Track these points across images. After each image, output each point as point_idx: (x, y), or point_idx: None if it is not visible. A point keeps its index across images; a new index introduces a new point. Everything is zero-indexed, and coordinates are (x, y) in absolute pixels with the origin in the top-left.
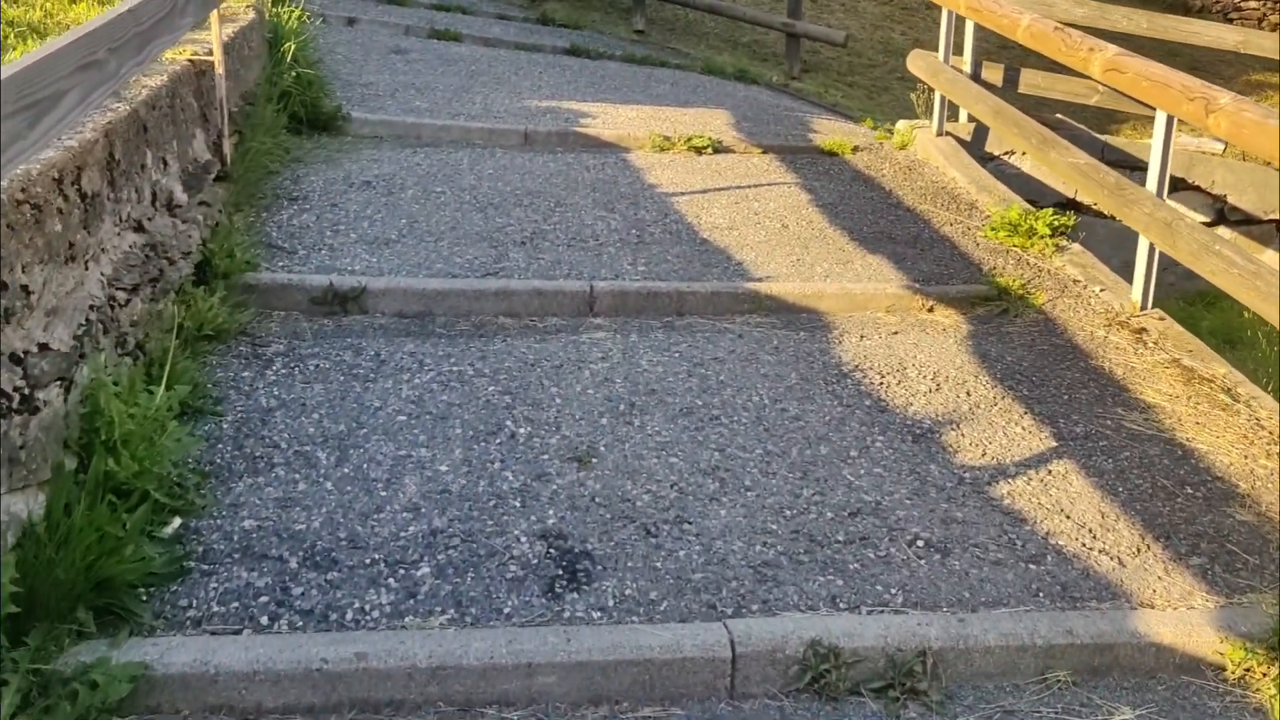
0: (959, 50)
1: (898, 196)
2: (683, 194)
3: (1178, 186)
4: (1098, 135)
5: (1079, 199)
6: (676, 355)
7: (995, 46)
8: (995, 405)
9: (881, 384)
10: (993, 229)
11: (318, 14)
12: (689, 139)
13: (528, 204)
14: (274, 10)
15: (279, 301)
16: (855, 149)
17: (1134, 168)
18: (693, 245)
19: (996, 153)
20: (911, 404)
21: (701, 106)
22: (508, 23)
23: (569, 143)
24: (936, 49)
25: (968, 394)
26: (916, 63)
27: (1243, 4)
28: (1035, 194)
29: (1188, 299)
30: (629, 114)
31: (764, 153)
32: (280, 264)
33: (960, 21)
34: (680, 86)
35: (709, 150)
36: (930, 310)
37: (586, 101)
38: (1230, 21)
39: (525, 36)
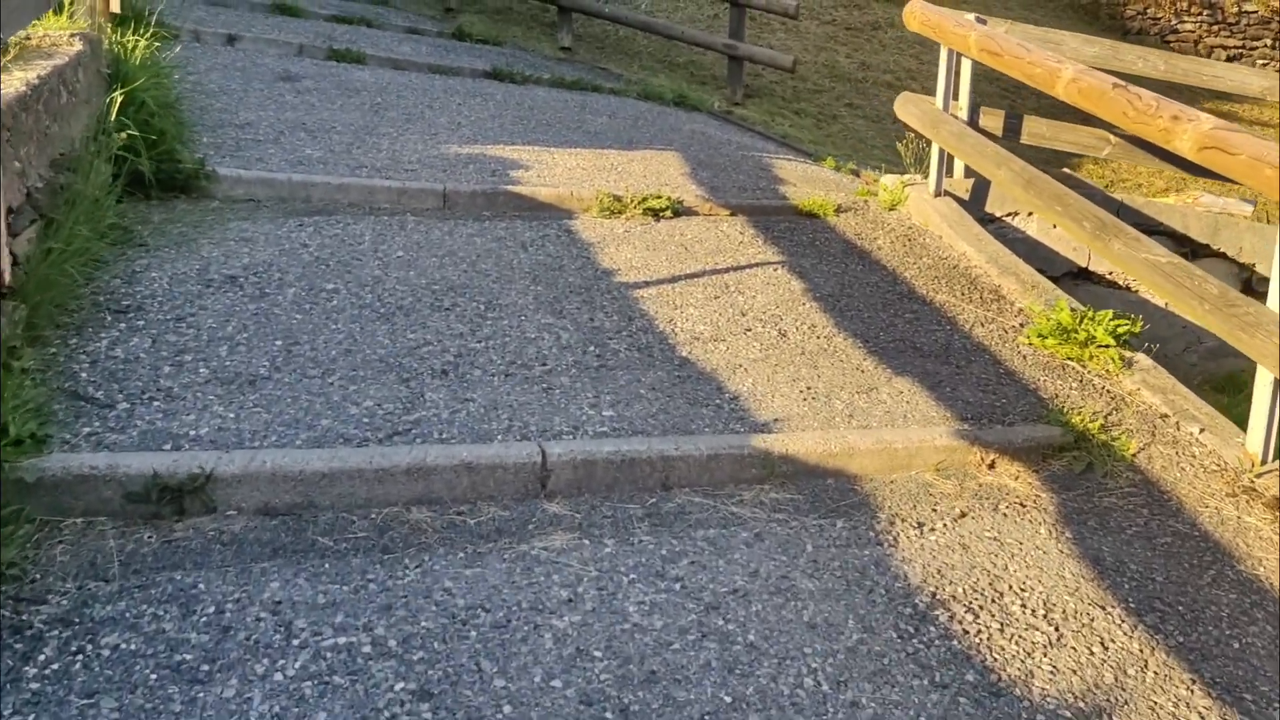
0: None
1: (906, 281)
2: (647, 284)
3: (1200, 253)
4: (1111, 194)
5: (1092, 268)
6: (677, 589)
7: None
8: (1146, 668)
9: (979, 635)
10: (1039, 335)
11: (189, 31)
12: (643, 199)
13: (450, 306)
14: (116, 36)
15: (77, 502)
16: (839, 210)
17: (1152, 231)
18: (670, 368)
19: (998, 213)
20: (1032, 677)
21: (648, 147)
22: (419, 38)
23: (498, 206)
24: (903, 81)
25: (1101, 645)
26: (908, 109)
27: (1179, 26)
28: (1043, 261)
29: (1215, 384)
30: (568, 161)
31: (732, 214)
32: (86, 431)
33: (956, 60)
34: (619, 118)
35: (668, 213)
36: (991, 466)
37: (516, 144)
38: (1167, 43)
39: (440, 56)
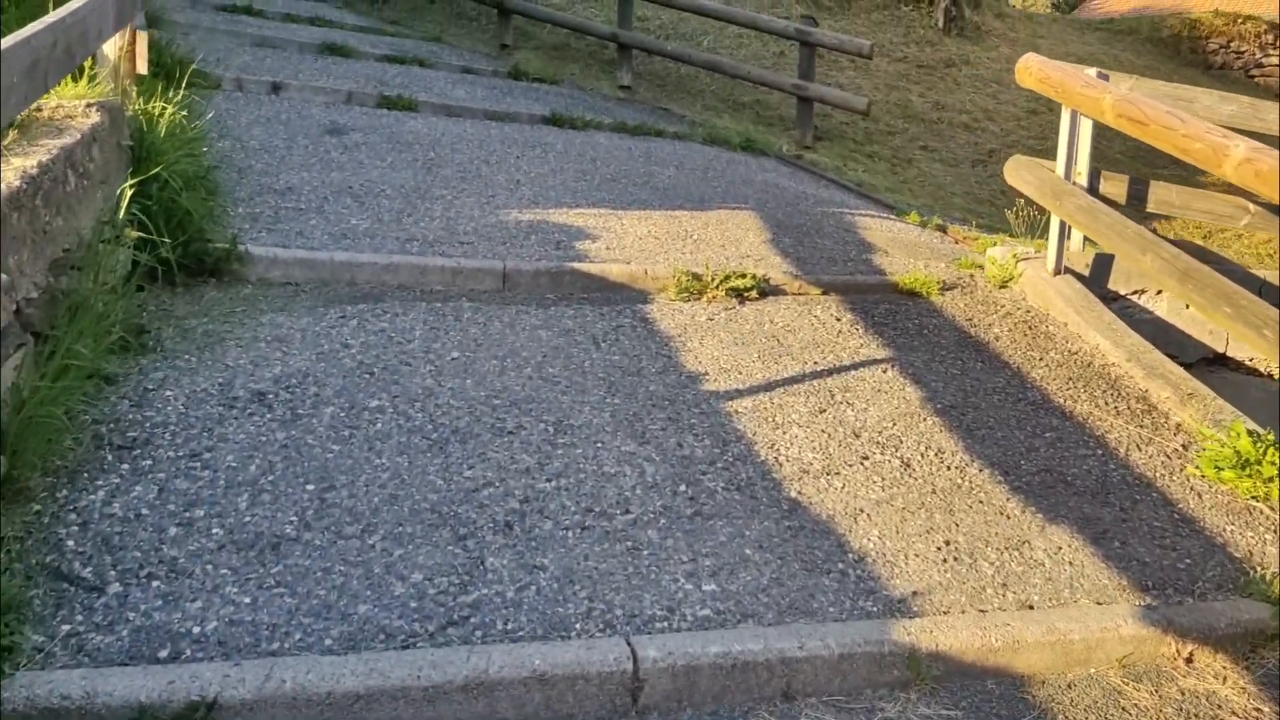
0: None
1: (1037, 385)
2: (740, 393)
3: None
4: (1254, 272)
5: (1230, 353)
6: None
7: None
8: None
9: None
10: (1213, 466)
11: (232, 81)
12: (725, 277)
13: (513, 429)
14: (141, 103)
15: None
16: (943, 288)
17: None
18: (778, 515)
19: (1123, 290)
20: None
21: (721, 205)
22: (474, 79)
23: (564, 286)
24: (980, 122)
25: None
26: (1022, 176)
27: (1264, 60)
28: (1175, 345)
29: None
30: (637, 227)
31: (824, 293)
32: (65, 630)
33: (1076, 120)
34: (687, 169)
35: (753, 293)
36: (1189, 661)
37: (581, 206)
38: (1252, 78)
39: (496, 100)
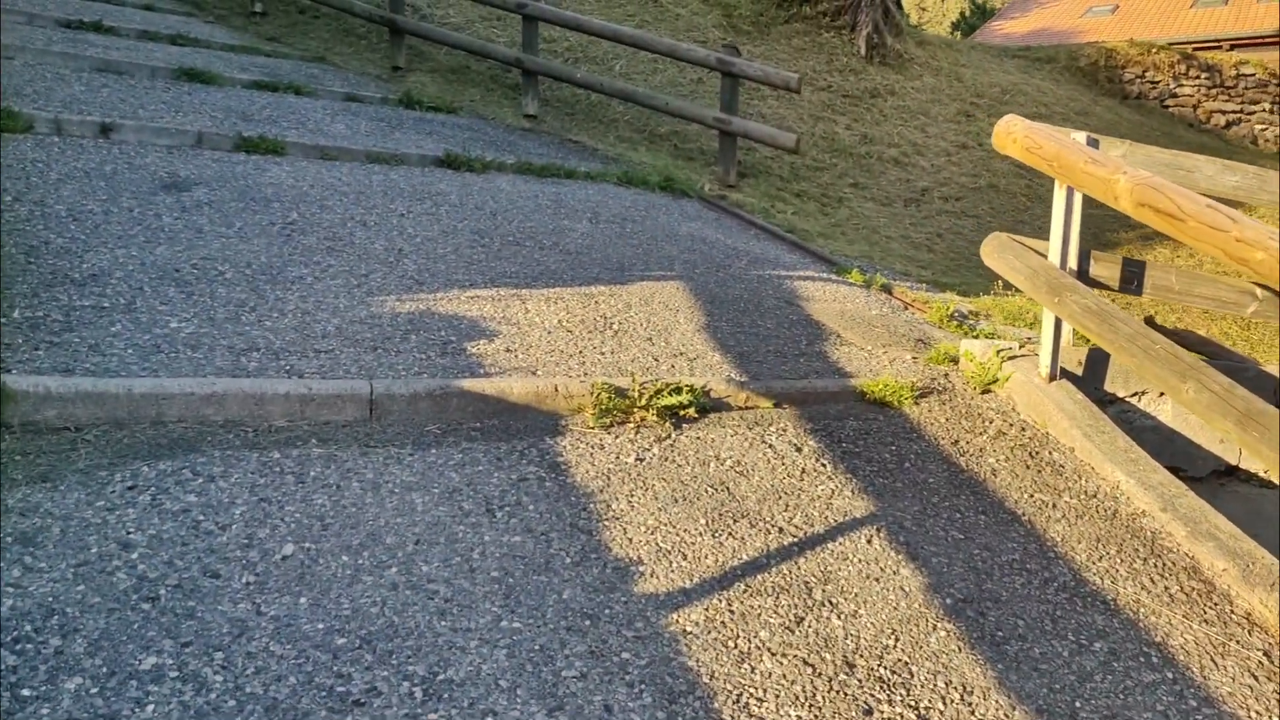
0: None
1: (1062, 554)
2: (688, 597)
3: None
4: (1265, 368)
5: (1242, 465)
6: None
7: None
8: None
9: None
10: None
11: (48, 121)
12: (656, 391)
13: (362, 698)
14: None
15: None
16: (917, 394)
17: None
18: None
19: (1121, 393)
20: None
21: (644, 273)
22: (359, 109)
23: (450, 413)
24: (909, 157)
25: None
26: (1007, 262)
27: (1178, 90)
28: (1183, 457)
29: None
30: (546, 312)
31: (777, 405)
32: None
33: (1069, 197)
34: (602, 222)
35: (691, 411)
36: None
37: (476, 285)
38: (1166, 108)
39: (382, 137)
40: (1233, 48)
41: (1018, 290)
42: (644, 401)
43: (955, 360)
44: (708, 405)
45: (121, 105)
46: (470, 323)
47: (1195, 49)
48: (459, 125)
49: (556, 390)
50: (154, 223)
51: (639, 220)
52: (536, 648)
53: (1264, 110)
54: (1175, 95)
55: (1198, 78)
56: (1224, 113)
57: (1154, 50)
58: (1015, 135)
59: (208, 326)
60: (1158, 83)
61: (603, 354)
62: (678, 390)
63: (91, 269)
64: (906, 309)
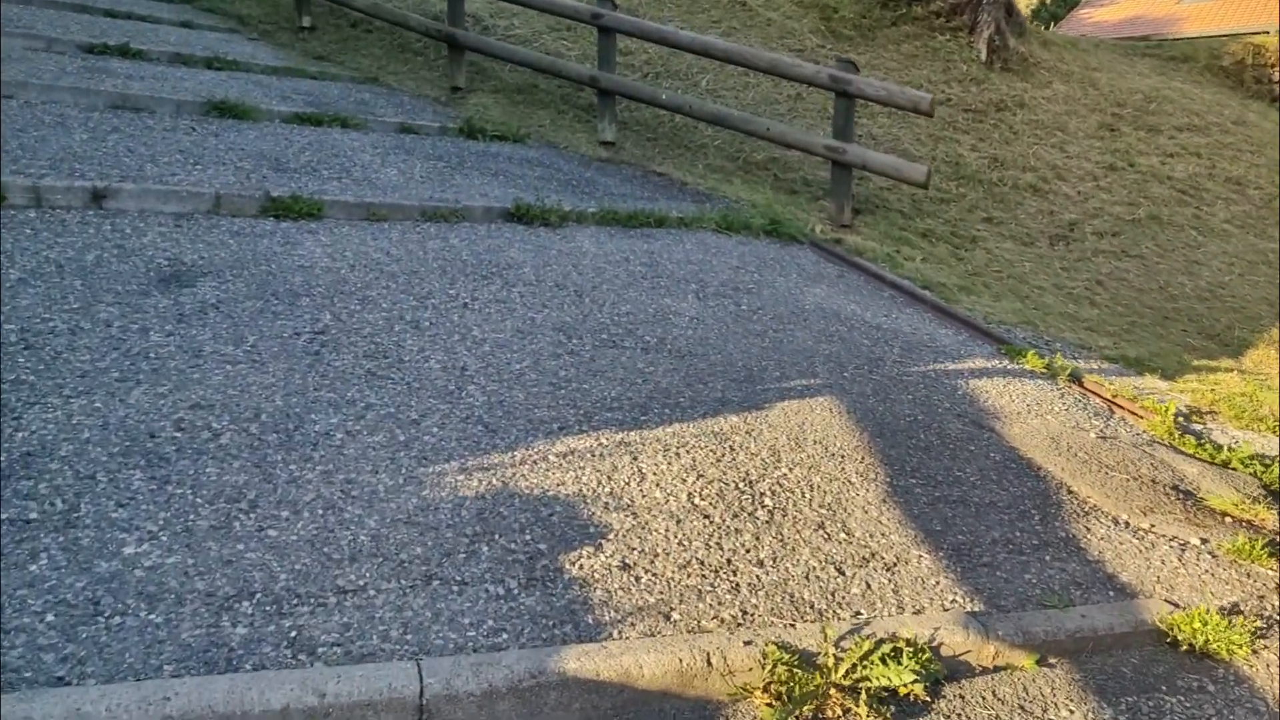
0: None
1: None
2: None
3: None
4: None
5: None
6: None
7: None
8: None
9: None
10: None
11: (25, 190)
12: (859, 656)
13: None
14: None
15: None
16: (1253, 634)
17: None
18: None
19: None
20: None
21: (780, 386)
22: (414, 143)
23: (547, 717)
24: (1049, 182)
25: None
26: None
27: None
28: None
29: None
30: (667, 480)
31: (1040, 663)
32: None
33: None
34: (711, 297)
35: (918, 690)
36: None
37: (567, 430)
38: None
39: (440, 183)
40: None
41: (1222, 362)
42: (842, 675)
43: (1274, 549)
44: (939, 673)
45: (127, 159)
46: (566, 507)
47: None
48: (528, 160)
49: (710, 662)
50: (136, 345)
51: (753, 289)
52: None
53: None
54: None
55: None
56: None
57: None
58: None
59: (180, 550)
60: None
61: (761, 564)
62: (894, 654)
63: (28, 442)
64: (1114, 412)
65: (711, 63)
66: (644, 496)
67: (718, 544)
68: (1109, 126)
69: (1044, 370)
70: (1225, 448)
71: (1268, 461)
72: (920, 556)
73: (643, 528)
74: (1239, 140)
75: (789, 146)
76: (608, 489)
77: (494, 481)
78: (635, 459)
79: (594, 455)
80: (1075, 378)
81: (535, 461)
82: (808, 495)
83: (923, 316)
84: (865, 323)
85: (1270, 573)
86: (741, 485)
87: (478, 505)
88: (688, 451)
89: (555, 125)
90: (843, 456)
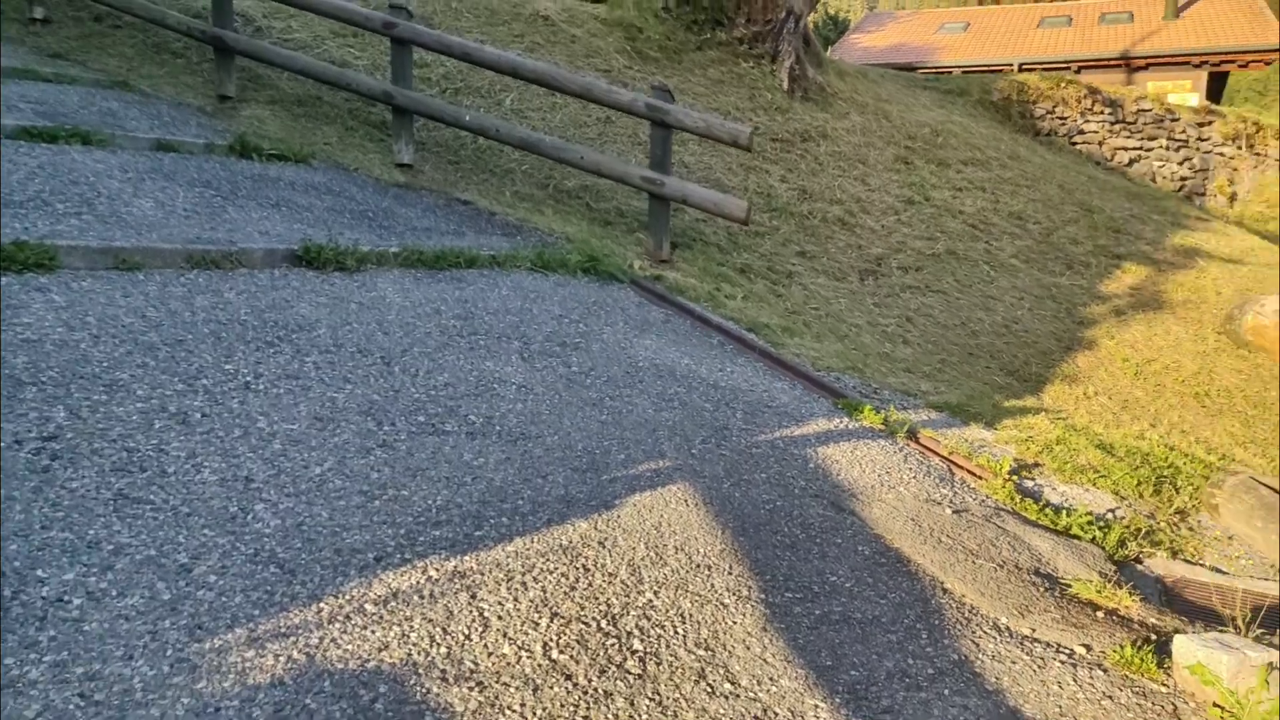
0: None
1: None
2: None
3: None
4: None
5: None
6: None
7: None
8: None
9: None
10: None
11: None
12: None
13: None
14: None
15: None
16: None
17: None
18: None
19: None
20: None
21: (628, 475)
22: (175, 163)
23: None
24: (855, 215)
25: None
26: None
27: (1085, 126)
28: None
29: None
30: (515, 627)
31: None
32: None
33: None
34: (536, 353)
35: None
36: None
37: (387, 562)
38: (1074, 144)
39: (210, 217)
40: (1080, 69)
41: (1027, 401)
42: None
43: (1159, 658)
44: None
45: None
46: (393, 685)
47: (1045, 70)
48: (314, 186)
49: None
50: None
51: (581, 343)
52: None
53: (1161, 147)
54: (1082, 132)
55: (1101, 113)
56: (1126, 149)
57: (1063, 84)
58: None
59: None
60: (1066, 119)
61: None
62: None
63: None
64: (955, 474)
65: (517, 80)
66: (490, 655)
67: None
68: (903, 159)
69: (882, 427)
70: (1063, 511)
71: (1102, 524)
72: (817, 707)
73: (492, 705)
74: (1016, 175)
75: (604, 176)
76: (444, 649)
77: (296, 655)
78: (474, 597)
79: (423, 597)
80: (912, 434)
81: (349, 616)
82: (680, 630)
83: (755, 368)
84: (702, 380)
85: (1163, 689)
86: (604, 624)
87: (275, 697)
88: (535, 580)
89: (344, 144)
90: (710, 568)
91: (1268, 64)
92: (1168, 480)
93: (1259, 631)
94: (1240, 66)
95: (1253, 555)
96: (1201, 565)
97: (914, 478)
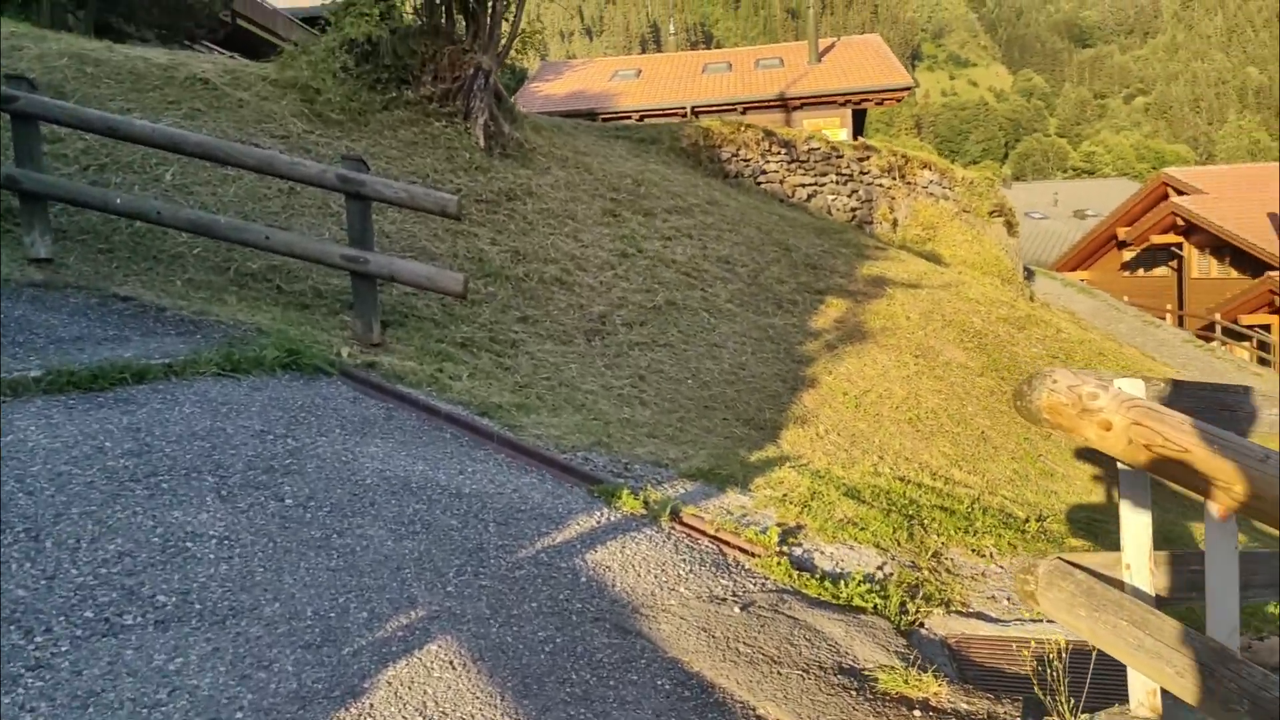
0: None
1: None
2: None
3: None
4: None
5: None
6: None
7: None
8: None
9: None
10: None
11: None
12: None
13: None
14: None
15: None
16: None
17: None
18: None
19: None
20: None
21: (381, 654)
22: None
23: None
24: (572, 274)
25: None
26: (1112, 630)
27: (766, 166)
28: None
29: None
30: None
31: None
32: None
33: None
34: (235, 485)
35: None
36: None
37: None
38: (759, 184)
39: None
40: (745, 110)
41: (769, 451)
42: None
43: None
44: None
45: None
46: None
47: (716, 111)
48: None
49: None
50: None
51: (294, 465)
52: None
53: (833, 182)
54: (765, 172)
55: (779, 154)
56: (804, 186)
57: (742, 128)
58: (1102, 416)
59: None
60: (750, 160)
61: None
62: None
63: None
64: (727, 555)
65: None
66: None
67: None
68: (611, 212)
69: (644, 512)
70: (841, 580)
71: (879, 588)
72: None
73: None
74: (718, 220)
75: (298, 258)
76: None
77: None
78: None
79: None
80: (675, 514)
81: None
82: None
83: (498, 461)
84: (443, 490)
85: None
86: None
87: None
88: None
89: None
90: None
91: (899, 100)
92: (915, 521)
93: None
94: (877, 104)
95: (1006, 591)
96: (975, 617)
97: (691, 572)
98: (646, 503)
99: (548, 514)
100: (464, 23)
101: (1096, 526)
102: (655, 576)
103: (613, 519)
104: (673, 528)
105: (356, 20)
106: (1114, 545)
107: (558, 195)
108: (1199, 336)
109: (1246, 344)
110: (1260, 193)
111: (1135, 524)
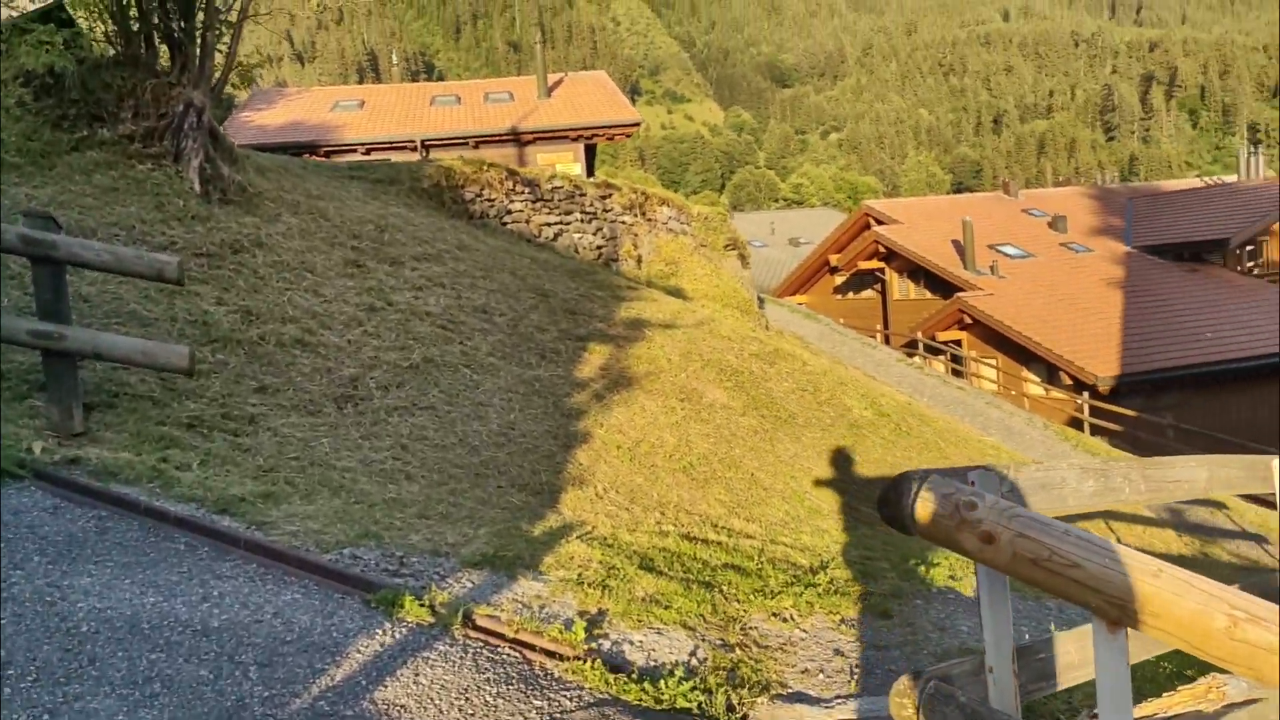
0: None
1: None
2: None
3: None
4: None
5: None
6: None
7: None
8: None
9: None
10: None
11: None
12: None
13: None
14: None
15: None
16: None
17: None
18: None
19: None
20: None
21: None
22: None
23: None
24: (314, 333)
25: None
26: None
27: (512, 206)
28: None
29: None
30: None
31: None
32: None
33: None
34: None
35: None
36: None
37: None
38: (504, 224)
39: None
40: (477, 145)
41: (551, 520)
42: None
43: None
44: None
45: None
46: None
47: (446, 144)
48: None
49: None
50: None
51: None
52: None
53: (578, 220)
54: (510, 212)
55: (524, 193)
56: (550, 225)
57: (485, 168)
58: (983, 529)
59: None
60: (494, 200)
61: None
62: None
63: None
64: (532, 663)
65: None
66: None
67: None
68: (354, 262)
69: (432, 621)
70: (660, 679)
71: (699, 681)
72: None
73: None
74: (470, 266)
75: None
76: None
77: None
78: None
79: None
80: (468, 618)
81: None
82: None
83: (249, 575)
84: (185, 627)
85: None
86: None
87: None
88: None
89: None
90: None
91: (628, 136)
92: (714, 589)
93: None
94: (608, 139)
95: (817, 660)
96: (796, 699)
97: (500, 696)
98: (433, 608)
99: (320, 642)
100: (169, 54)
101: (870, 567)
102: (460, 711)
103: (398, 636)
104: (467, 636)
105: (35, 49)
106: (890, 585)
107: (291, 245)
108: (904, 353)
109: (942, 358)
110: (945, 223)
111: (997, 626)
